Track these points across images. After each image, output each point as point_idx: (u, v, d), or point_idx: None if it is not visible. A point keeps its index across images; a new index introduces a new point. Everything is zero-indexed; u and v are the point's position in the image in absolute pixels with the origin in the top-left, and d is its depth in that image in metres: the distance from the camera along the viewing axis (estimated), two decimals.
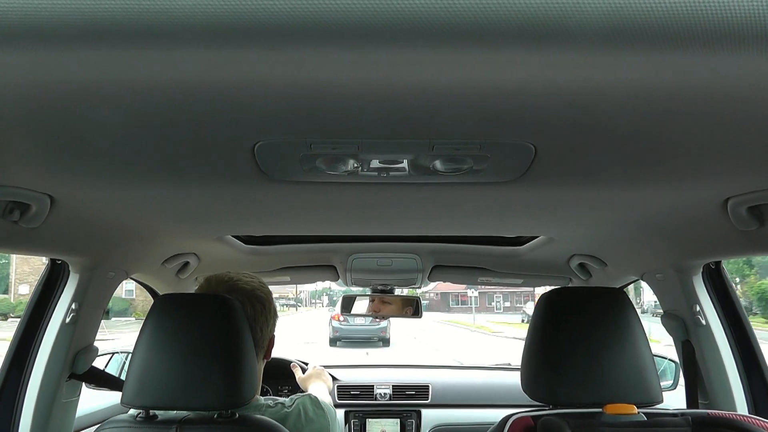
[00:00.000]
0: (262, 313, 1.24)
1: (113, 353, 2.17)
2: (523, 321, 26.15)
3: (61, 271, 1.51)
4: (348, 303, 2.56)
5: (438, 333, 22.32)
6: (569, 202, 1.18)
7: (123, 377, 1.21)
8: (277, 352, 1.39)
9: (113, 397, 2.03)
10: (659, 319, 1.73)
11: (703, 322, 1.56)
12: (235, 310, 1.08)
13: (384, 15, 0.44)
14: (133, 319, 21.61)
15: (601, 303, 1.14)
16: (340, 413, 2.53)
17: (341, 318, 15.88)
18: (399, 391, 2.64)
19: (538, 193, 1.07)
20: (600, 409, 1.06)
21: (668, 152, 0.83)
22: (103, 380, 1.74)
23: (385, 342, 17.32)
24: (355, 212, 1.31)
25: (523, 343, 1.20)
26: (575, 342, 1.10)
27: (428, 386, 2.65)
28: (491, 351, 13.05)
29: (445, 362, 10.83)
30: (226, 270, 1.33)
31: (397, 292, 2.47)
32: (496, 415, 1.23)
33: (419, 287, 2.52)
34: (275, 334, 1.33)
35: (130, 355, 1.14)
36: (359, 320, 15.15)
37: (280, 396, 2.14)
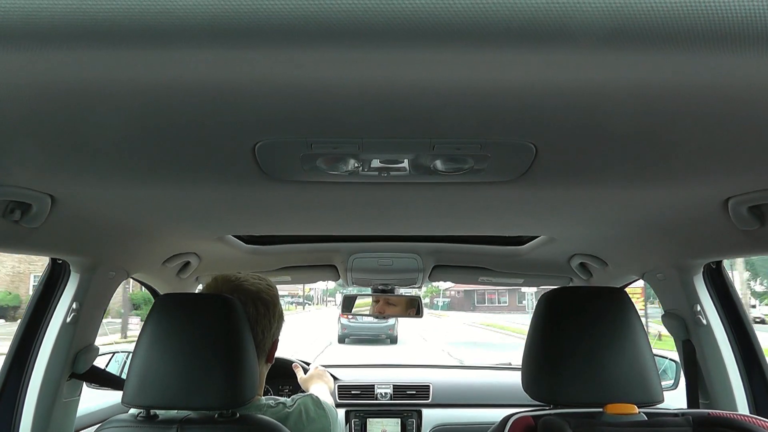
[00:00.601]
0: (265, 316, 1.24)
1: (114, 353, 2.17)
2: None
3: (62, 271, 1.52)
4: (349, 303, 2.57)
5: (469, 340, 18.11)
6: (570, 202, 1.18)
7: (124, 377, 1.21)
8: (278, 353, 1.39)
9: (114, 397, 2.04)
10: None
11: (704, 321, 1.56)
12: (236, 310, 1.08)
13: (384, 14, 0.44)
14: None
15: (602, 303, 1.15)
16: (341, 413, 2.53)
17: (350, 316, 16.13)
18: (400, 390, 2.65)
19: (538, 192, 1.07)
20: (601, 409, 1.06)
21: (669, 152, 0.83)
22: (103, 380, 1.74)
23: (393, 340, 17.61)
24: (356, 212, 1.31)
25: None
26: (576, 342, 1.10)
27: (429, 386, 2.65)
28: None
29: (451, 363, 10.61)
30: (227, 270, 1.33)
31: (403, 291, 2.47)
32: (497, 414, 1.23)
33: (420, 287, 2.52)
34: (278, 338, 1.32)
35: (130, 354, 1.14)
36: (367, 318, 15.26)
37: (281, 396, 2.14)
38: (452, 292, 47.31)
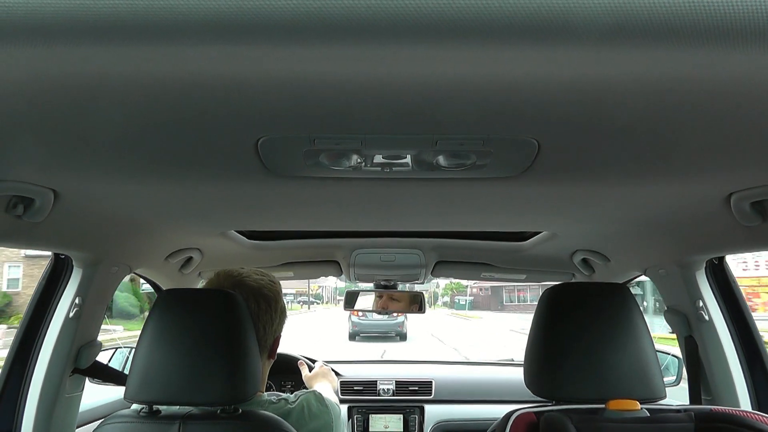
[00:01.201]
0: (267, 312, 1.24)
1: (117, 348, 2.18)
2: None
3: (65, 266, 1.52)
4: (351, 299, 2.57)
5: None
6: (572, 198, 1.18)
7: (126, 372, 1.21)
8: (282, 348, 1.39)
9: (116, 392, 2.04)
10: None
11: (706, 317, 1.56)
12: (238, 305, 1.08)
13: (387, 10, 0.44)
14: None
15: (604, 298, 1.15)
16: (344, 409, 2.53)
17: (360, 314, 16.36)
18: (402, 386, 2.65)
19: (541, 188, 1.07)
20: (603, 405, 1.06)
21: (672, 148, 0.83)
22: (106, 375, 1.74)
23: (402, 336, 18.06)
24: (359, 208, 1.31)
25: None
26: (578, 338, 1.10)
27: (431, 382, 2.66)
28: None
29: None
30: (230, 265, 1.33)
31: (408, 287, 2.47)
32: (500, 410, 1.23)
33: (422, 282, 2.52)
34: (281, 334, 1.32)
35: (133, 350, 1.14)
36: (377, 315, 15.53)
37: (284, 391, 2.14)
38: (475, 290, 41.84)
